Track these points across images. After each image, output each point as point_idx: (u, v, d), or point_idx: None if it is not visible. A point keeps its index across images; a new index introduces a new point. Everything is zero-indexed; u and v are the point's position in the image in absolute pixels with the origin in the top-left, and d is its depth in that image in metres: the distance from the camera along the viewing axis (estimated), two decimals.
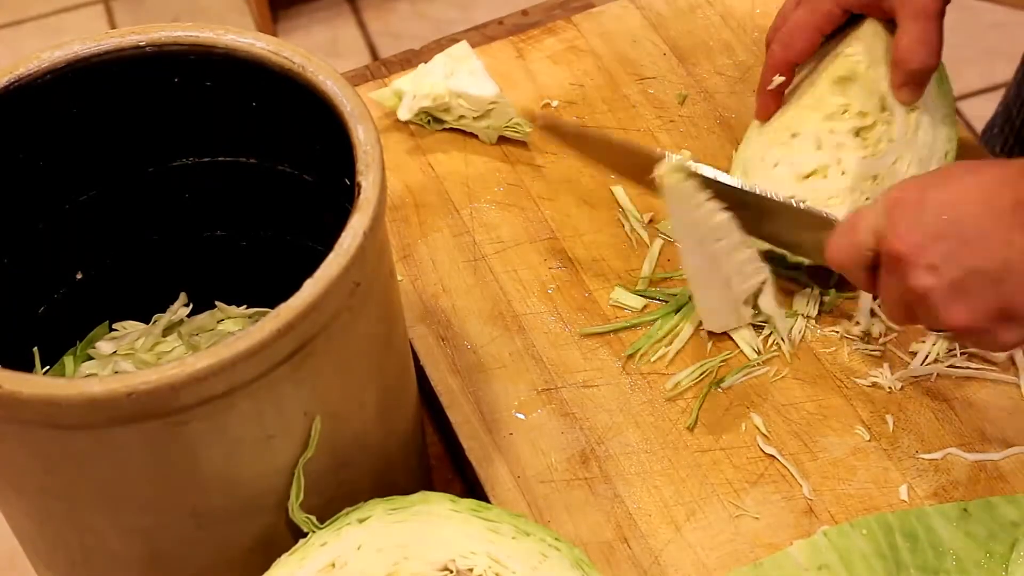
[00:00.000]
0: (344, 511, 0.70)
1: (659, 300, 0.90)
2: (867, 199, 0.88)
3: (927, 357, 0.86)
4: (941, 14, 0.87)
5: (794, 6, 0.92)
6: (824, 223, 0.82)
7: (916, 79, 0.88)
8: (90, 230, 0.79)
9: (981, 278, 0.72)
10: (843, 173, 0.89)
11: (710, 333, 0.88)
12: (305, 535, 0.69)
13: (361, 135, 0.66)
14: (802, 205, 0.84)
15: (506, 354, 0.88)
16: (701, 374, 0.87)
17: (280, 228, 0.82)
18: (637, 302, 0.90)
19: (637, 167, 0.87)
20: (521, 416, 0.85)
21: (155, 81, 0.73)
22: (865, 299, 0.88)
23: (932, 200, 0.74)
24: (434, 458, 0.87)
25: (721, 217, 0.83)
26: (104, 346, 0.85)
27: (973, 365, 0.86)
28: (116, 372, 0.83)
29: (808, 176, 0.90)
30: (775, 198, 0.84)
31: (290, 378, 0.63)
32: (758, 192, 0.85)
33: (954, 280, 0.72)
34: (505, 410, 0.85)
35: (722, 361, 0.87)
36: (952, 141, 0.91)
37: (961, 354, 0.86)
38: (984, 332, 0.73)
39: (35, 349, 0.80)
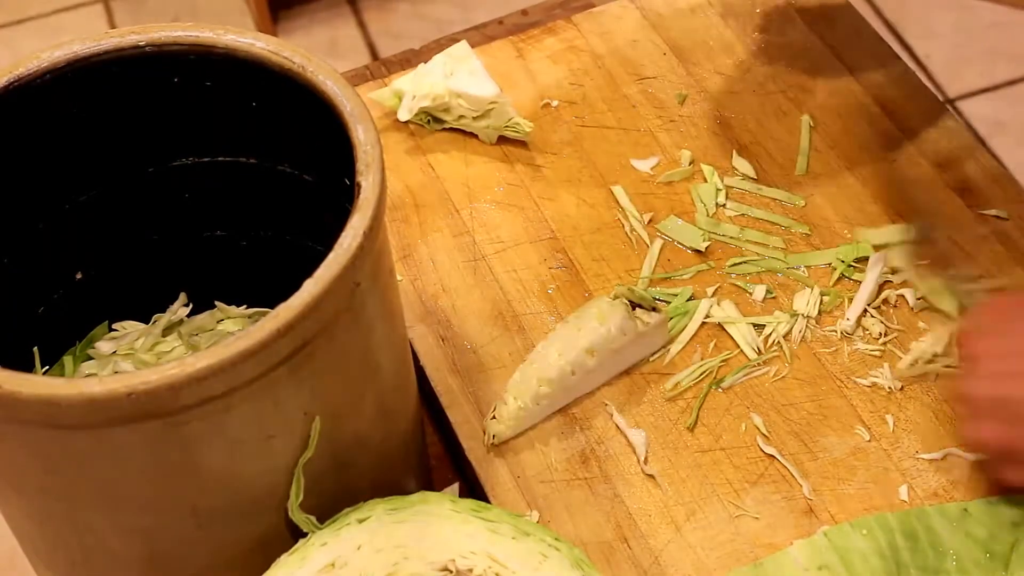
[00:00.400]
0: (344, 511, 0.70)
1: (660, 300, 0.90)
2: None
3: (917, 359, 0.86)
4: None
5: None
6: None
7: None
8: (90, 230, 0.79)
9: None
10: None
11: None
12: (305, 535, 0.69)
13: (361, 135, 0.66)
14: None
15: (506, 354, 0.88)
16: (701, 374, 0.87)
17: (280, 228, 0.82)
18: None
19: None
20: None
21: (155, 81, 0.73)
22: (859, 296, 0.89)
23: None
24: (434, 458, 0.87)
25: None
26: (104, 346, 0.85)
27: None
28: (116, 372, 0.83)
29: None
30: None
31: (290, 378, 0.63)
32: None
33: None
34: None
35: (722, 361, 0.87)
36: None
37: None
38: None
39: (35, 349, 0.80)
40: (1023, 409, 0.74)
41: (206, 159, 0.78)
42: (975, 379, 0.76)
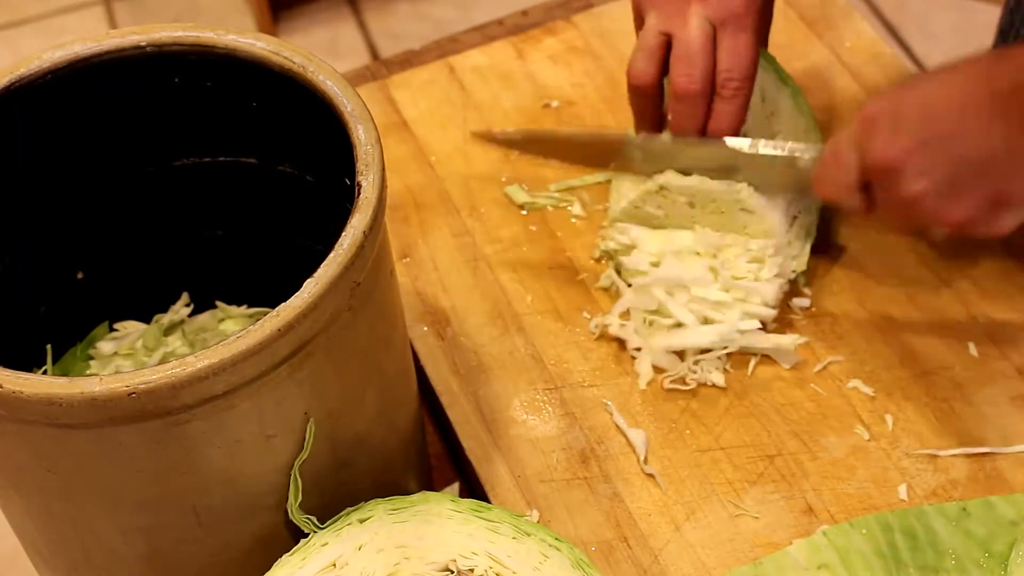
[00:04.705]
0: (345, 511, 0.70)
1: None
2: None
3: None
4: (755, 28, 0.85)
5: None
6: (795, 162, 0.84)
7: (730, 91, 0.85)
8: (90, 230, 0.79)
9: (970, 172, 0.73)
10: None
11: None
12: (306, 535, 0.69)
13: (361, 135, 0.66)
14: (768, 151, 0.84)
15: (506, 354, 0.89)
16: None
17: (280, 228, 0.82)
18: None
19: (597, 156, 0.90)
20: (521, 416, 0.85)
21: (155, 81, 0.73)
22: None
23: (909, 106, 0.75)
24: (434, 458, 0.87)
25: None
26: (105, 346, 0.85)
27: None
28: (117, 372, 0.83)
29: None
30: (740, 148, 0.85)
31: (290, 378, 0.63)
32: (720, 144, 0.85)
33: (945, 178, 0.73)
34: (505, 410, 0.86)
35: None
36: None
37: None
38: (982, 222, 0.75)
39: (48, 346, 0.80)
40: (974, 169, 0.73)
41: (207, 159, 0.78)
42: (910, 179, 0.74)
